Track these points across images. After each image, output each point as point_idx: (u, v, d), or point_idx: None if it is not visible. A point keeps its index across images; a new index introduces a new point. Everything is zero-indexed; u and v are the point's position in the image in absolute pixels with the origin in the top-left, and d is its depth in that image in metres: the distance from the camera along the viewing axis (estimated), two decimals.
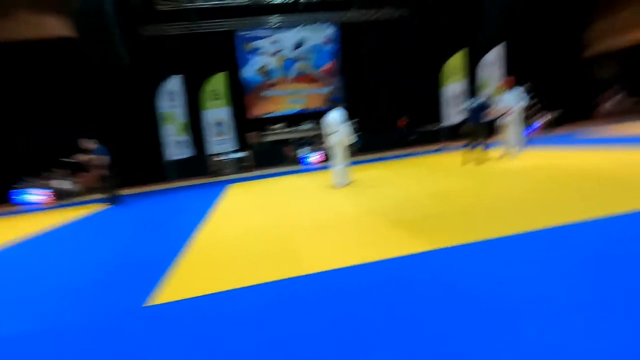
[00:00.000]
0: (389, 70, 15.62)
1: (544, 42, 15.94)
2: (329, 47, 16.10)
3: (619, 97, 15.51)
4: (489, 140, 7.13)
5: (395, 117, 16.01)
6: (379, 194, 5.12)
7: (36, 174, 12.01)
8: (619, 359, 1.24)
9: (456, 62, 13.36)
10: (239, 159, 13.20)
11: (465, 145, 7.22)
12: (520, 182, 4.68)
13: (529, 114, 9.41)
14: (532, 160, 6.39)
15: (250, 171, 12.84)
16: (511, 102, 7.14)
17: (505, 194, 4.10)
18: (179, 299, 2.24)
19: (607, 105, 15.51)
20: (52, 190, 11.23)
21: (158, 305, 2.19)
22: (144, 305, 2.21)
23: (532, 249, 2.33)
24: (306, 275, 2.36)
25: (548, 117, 13.68)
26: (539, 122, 12.76)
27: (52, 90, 13.06)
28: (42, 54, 13.22)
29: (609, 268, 1.92)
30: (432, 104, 14.38)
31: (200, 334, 1.77)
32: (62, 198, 11.18)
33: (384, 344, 1.49)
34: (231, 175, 12.17)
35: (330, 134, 6.10)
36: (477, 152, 6.99)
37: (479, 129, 7.00)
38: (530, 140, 9.40)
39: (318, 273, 2.37)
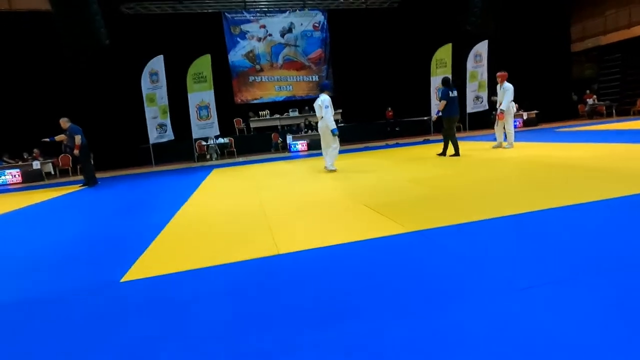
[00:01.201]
0: (378, 60, 15.61)
1: (527, 38, 16.15)
2: (317, 34, 15.92)
3: (594, 98, 15.97)
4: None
5: (383, 108, 16.07)
6: (362, 179, 5.16)
7: (15, 155, 11.59)
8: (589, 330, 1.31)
9: (444, 54, 13.45)
10: (223, 144, 13.03)
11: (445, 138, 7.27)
12: (503, 169, 4.80)
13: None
14: (517, 152, 6.56)
15: (235, 157, 12.71)
16: (502, 97, 7.31)
17: (490, 180, 4.20)
18: (157, 274, 2.23)
19: (585, 106, 15.96)
20: (20, 171, 10.84)
21: (135, 280, 2.18)
22: (122, 280, 2.19)
23: (512, 230, 2.42)
24: (283, 255, 2.38)
25: (525, 115, 14.00)
26: (517, 120, 13.02)
27: (28, 69, 12.53)
28: (14, 28, 12.61)
29: (589, 247, 2.01)
30: (420, 95, 14.51)
31: (176, 309, 1.77)
32: (35, 179, 10.83)
33: (356, 321, 1.53)
34: (216, 161, 12.03)
35: (318, 118, 6.28)
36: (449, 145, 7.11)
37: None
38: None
39: (294, 252, 2.40)
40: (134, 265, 2.42)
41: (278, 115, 14.82)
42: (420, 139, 12.76)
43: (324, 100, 6.08)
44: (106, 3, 12.28)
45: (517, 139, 8.31)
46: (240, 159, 11.76)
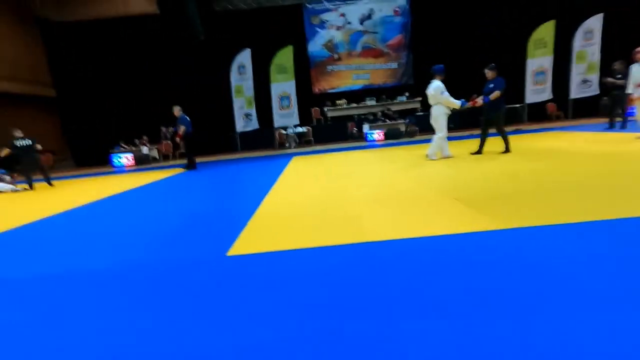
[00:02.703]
0: (463, 44, 14.45)
1: None
2: (398, 20, 15.35)
3: None
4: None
5: (467, 95, 14.93)
6: (447, 170, 4.93)
7: (128, 141, 13.55)
8: None
9: (544, 32, 11.94)
10: (302, 133, 13.48)
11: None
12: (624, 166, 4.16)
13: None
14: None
15: (313, 145, 13.07)
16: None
17: (605, 176, 3.69)
18: (257, 251, 2.46)
19: None
20: (133, 155, 12.59)
21: (239, 255, 2.42)
22: (227, 254, 2.46)
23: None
24: (371, 243, 2.41)
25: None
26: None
27: (138, 66, 14.40)
28: (127, 31, 14.54)
29: None
30: (511, 80, 13.11)
31: (277, 286, 1.93)
32: (142, 162, 12.51)
33: (449, 313, 1.50)
34: (294, 149, 12.53)
35: (431, 105, 6.14)
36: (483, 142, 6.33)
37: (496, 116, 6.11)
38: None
39: (383, 241, 2.42)
40: (236, 242, 2.69)
41: (355, 104, 14.77)
42: (512, 128, 11.59)
43: (437, 86, 5.93)
44: (201, 2, 13.47)
45: (635, 129, 7.06)
46: (318, 148, 12.07)
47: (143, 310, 1.79)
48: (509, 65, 13.21)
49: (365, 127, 12.72)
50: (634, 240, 2.04)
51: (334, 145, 12.21)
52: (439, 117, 6.03)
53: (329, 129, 14.37)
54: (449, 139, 6.58)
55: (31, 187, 7.92)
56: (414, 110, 14.10)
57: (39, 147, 8.13)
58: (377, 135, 12.44)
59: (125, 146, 13.37)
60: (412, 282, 1.81)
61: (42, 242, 3.32)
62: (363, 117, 14.31)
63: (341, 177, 5.42)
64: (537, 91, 12.30)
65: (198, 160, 11.67)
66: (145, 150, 12.88)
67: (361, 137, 13.05)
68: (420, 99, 13.79)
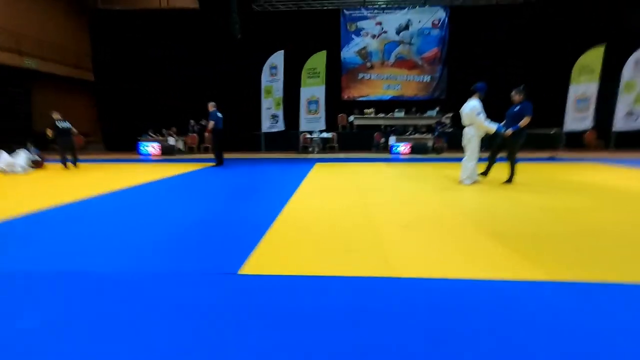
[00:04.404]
0: (502, 63, 13.91)
1: None
2: (436, 32, 14.99)
3: None
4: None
5: (500, 118, 14.37)
6: (477, 197, 4.63)
7: (156, 131, 13.81)
8: None
9: (592, 58, 11.32)
10: (326, 139, 13.33)
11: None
12: None
13: None
14: None
15: (336, 152, 12.90)
16: None
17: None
18: (271, 273, 2.29)
19: None
20: (160, 145, 12.77)
21: (251, 275, 2.26)
22: (239, 272, 2.31)
23: None
24: (397, 279, 2.20)
25: None
26: None
27: (173, 59, 14.67)
28: (167, 23, 14.86)
29: None
30: (551, 105, 12.53)
31: (290, 312, 1.76)
32: (168, 153, 12.68)
33: None
34: (317, 154, 12.39)
35: (465, 126, 5.76)
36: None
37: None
38: None
39: (409, 278, 2.20)
40: (249, 258, 2.54)
41: (383, 115, 14.49)
42: (546, 154, 11.02)
43: (474, 106, 5.52)
44: (240, 1, 13.61)
45: None
46: (341, 155, 11.88)
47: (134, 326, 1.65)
48: (550, 88, 12.68)
49: (392, 139, 12.43)
50: None
51: (358, 154, 11.99)
52: (472, 139, 5.69)
53: (355, 137, 14.15)
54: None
55: (65, 165, 8.36)
56: (444, 126, 13.69)
57: (75, 131, 8.62)
58: (403, 147, 12.13)
59: (153, 135, 13.62)
60: (440, 335, 1.59)
61: (42, 236, 3.28)
62: (390, 128, 14.01)
63: (367, 192, 5.20)
64: (578, 119, 11.65)
65: (226, 156, 11.75)
66: (171, 141, 13.07)
67: (386, 148, 12.77)
68: (451, 114, 13.38)
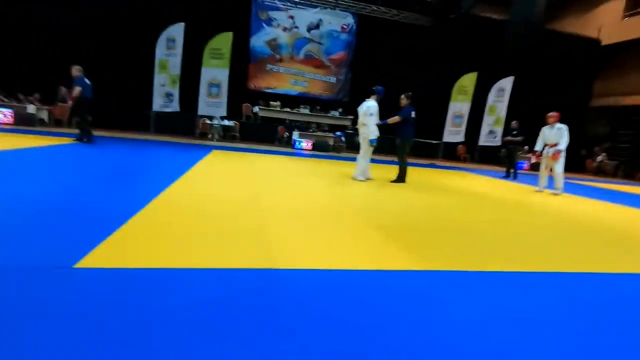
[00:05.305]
0: (398, 75, 15.21)
1: (550, 84, 15.83)
2: (344, 37, 15.58)
3: (603, 155, 15.85)
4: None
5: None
6: (361, 193, 4.81)
7: (9, 94, 11.04)
8: None
9: (468, 81, 13.19)
10: (228, 126, 12.61)
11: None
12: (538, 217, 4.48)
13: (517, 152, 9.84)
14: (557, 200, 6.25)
15: (237, 142, 12.29)
16: (555, 139, 6.71)
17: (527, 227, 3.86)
18: (118, 266, 1.84)
19: (593, 161, 15.82)
20: (13, 111, 10.28)
21: (91, 269, 1.78)
22: (75, 266, 1.80)
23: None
24: (278, 270, 2.01)
25: (533, 159, 13.73)
26: (524, 162, 12.77)
27: (42, 13, 11.99)
28: None
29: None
30: (434, 118, 14.19)
31: (133, 315, 1.39)
32: (24, 123, 10.28)
33: None
34: (216, 142, 11.60)
35: (360, 125, 5.94)
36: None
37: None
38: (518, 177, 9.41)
39: (290, 270, 2.03)
40: (95, 249, 2.02)
41: (288, 109, 14.41)
42: (427, 162, 12.44)
43: (370, 106, 5.72)
44: None
45: (524, 181, 8.00)
46: (242, 145, 11.34)
47: None
48: (433, 104, 14.35)
49: (295, 134, 12.42)
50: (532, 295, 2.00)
51: (260, 146, 11.62)
52: (367, 138, 5.95)
53: (258, 128, 13.74)
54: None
55: None
56: (345, 127, 14.32)
57: None
58: (306, 144, 12.23)
59: (5, 99, 10.87)
60: (308, 326, 1.43)
61: None
62: (294, 123, 14.02)
63: (261, 182, 4.94)
64: (453, 132, 13.46)
65: (100, 134, 10.01)
66: (31, 109, 10.61)
67: (289, 143, 12.71)
68: (352, 117, 14.05)
